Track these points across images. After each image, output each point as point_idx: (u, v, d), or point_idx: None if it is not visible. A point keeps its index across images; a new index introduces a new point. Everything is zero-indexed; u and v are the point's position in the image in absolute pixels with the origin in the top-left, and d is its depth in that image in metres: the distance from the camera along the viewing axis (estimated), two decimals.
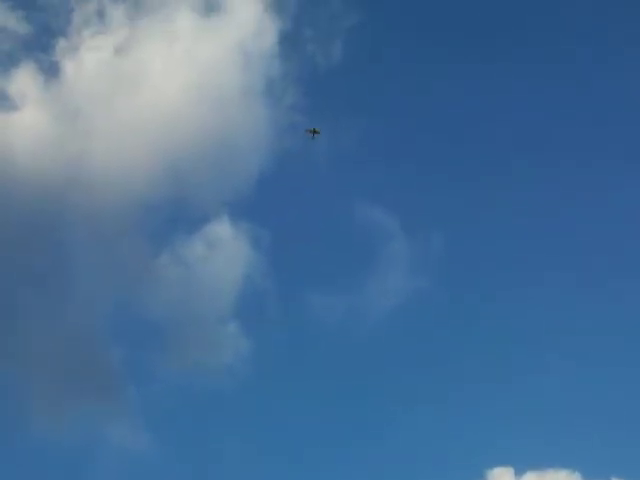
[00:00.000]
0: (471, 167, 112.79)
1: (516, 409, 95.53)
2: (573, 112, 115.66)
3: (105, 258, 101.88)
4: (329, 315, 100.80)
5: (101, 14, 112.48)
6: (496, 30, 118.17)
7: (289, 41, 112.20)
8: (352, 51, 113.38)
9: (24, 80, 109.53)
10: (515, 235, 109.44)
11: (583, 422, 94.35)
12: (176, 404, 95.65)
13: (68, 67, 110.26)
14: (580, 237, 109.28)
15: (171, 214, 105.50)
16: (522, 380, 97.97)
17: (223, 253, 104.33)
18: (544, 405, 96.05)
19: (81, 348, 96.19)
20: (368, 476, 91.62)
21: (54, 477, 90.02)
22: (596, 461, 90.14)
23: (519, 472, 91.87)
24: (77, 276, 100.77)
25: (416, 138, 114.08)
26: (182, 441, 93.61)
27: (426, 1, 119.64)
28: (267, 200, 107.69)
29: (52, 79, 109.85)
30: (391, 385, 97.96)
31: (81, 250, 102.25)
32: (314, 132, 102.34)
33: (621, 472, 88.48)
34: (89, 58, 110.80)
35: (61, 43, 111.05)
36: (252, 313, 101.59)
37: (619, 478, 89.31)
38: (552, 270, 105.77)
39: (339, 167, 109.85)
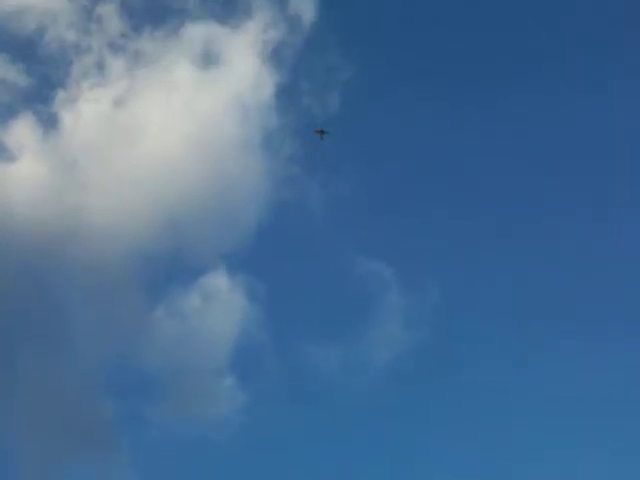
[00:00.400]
0: (468, 218, 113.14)
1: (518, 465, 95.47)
2: (573, 173, 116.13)
3: (102, 310, 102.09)
4: (326, 367, 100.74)
5: (100, 66, 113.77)
6: (494, 80, 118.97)
7: (286, 93, 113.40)
8: (349, 103, 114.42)
9: (22, 131, 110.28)
10: (511, 285, 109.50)
11: None
12: (172, 456, 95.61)
13: (67, 119, 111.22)
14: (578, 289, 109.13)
15: (168, 266, 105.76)
16: (521, 434, 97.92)
17: (220, 305, 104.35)
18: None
19: (77, 400, 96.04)
20: None
21: None
22: None
23: None
24: (74, 328, 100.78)
25: (413, 189, 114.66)
26: None
27: (423, 53, 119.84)
28: (264, 252, 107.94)
29: (50, 130, 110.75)
30: (389, 437, 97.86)
31: (78, 302, 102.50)
32: (322, 132, 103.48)
33: None
34: (88, 110, 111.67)
35: (60, 95, 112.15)
36: (248, 365, 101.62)
37: None
38: (551, 320, 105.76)
39: (336, 218, 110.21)
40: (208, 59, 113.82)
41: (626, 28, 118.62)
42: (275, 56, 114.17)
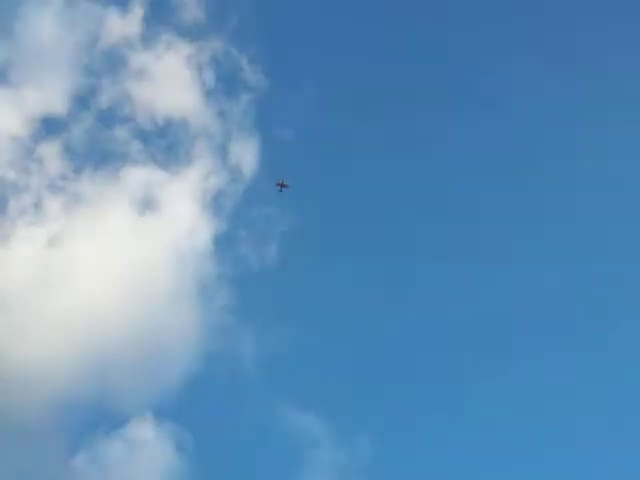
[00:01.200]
0: (399, 373, 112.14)
1: None
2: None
3: (20, 456, 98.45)
4: None
5: (37, 205, 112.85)
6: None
7: (224, 242, 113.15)
8: (286, 254, 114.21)
9: None
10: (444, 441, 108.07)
11: None
12: None
13: None
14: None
15: (92, 413, 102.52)
16: None
17: (145, 455, 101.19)
18: None
19: None
20: None
21: None
22: None
23: None
24: None
25: (347, 346, 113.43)
26: None
27: (360, 208, 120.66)
28: (193, 402, 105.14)
29: None
30: None
31: None
32: (282, 185, 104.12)
33: None
34: (21, 248, 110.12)
35: None
36: None
37: None
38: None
39: (267, 371, 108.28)
40: (147, 204, 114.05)
41: None
42: (214, 204, 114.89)
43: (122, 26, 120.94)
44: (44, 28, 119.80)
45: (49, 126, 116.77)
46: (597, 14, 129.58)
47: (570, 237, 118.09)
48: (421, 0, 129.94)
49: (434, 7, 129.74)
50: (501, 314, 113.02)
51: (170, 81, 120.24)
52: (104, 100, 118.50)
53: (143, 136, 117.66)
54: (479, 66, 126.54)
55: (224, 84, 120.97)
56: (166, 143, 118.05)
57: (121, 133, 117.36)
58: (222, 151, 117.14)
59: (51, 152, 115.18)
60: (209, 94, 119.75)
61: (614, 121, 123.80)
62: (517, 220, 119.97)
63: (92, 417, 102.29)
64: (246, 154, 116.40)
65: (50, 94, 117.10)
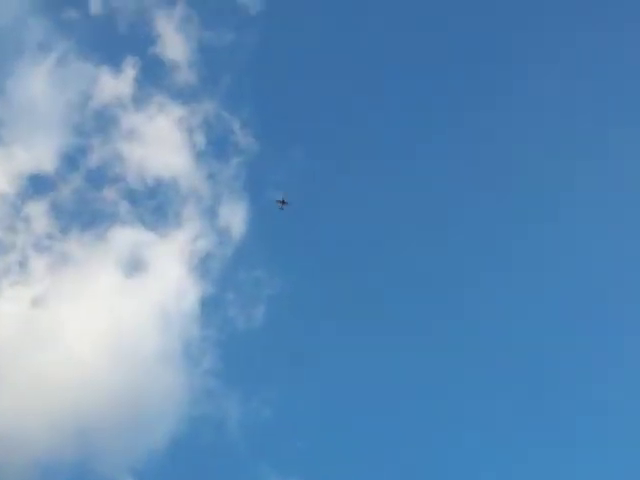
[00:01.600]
0: (383, 442, 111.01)
1: None
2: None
3: None
4: None
5: (23, 264, 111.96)
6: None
7: (211, 304, 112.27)
8: (273, 318, 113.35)
9: None
10: None
11: None
12: None
13: None
14: None
15: (73, 476, 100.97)
16: None
17: None
18: None
19: None
20: None
21: None
22: None
23: None
24: None
25: (332, 411, 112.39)
26: None
27: (347, 271, 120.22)
28: (176, 466, 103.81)
29: None
30: None
31: None
32: (283, 202, 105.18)
33: None
34: (5, 308, 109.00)
35: None
36: None
37: None
38: None
39: (251, 435, 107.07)
40: (134, 265, 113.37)
41: None
42: (202, 266, 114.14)
43: (114, 86, 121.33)
44: (36, 86, 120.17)
45: (37, 184, 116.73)
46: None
47: None
48: (407, 69, 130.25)
49: (421, 75, 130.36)
50: None
51: (161, 142, 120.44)
52: (94, 160, 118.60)
53: (132, 197, 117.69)
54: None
55: (215, 147, 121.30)
56: (155, 204, 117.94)
57: (110, 193, 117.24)
58: (211, 213, 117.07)
59: (38, 211, 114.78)
60: (199, 156, 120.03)
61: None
62: None
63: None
64: (235, 217, 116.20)
65: (39, 152, 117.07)
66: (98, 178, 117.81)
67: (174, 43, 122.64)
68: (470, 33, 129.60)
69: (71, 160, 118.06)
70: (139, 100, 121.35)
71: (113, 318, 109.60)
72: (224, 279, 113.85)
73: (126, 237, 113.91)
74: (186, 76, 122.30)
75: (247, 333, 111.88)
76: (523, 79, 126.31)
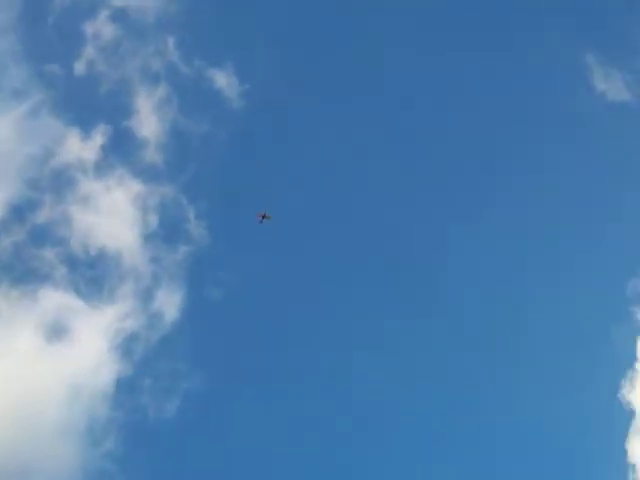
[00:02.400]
0: None
1: None
2: None
3: None
4: None
5: None
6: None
7: (125, 387, 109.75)
8: (186, 411, 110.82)
9: None
10: None
11: None
12: None
13: None
14: None
15: None
16: None
17: None
18: None
19: None
20: None
21: None
22: None
23: None
24: None
25: None
26: None
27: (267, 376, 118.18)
28: None
29: None
30: None
31: None
32: (264, 217, 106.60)
33: None
34: None
35: None
36: None
37: None
38: None
39: None
40: (56, 331, 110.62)
41: None
42: (125, 346, 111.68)
43: (79, 149, 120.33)
44: (1, 132, 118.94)
45: None
46: None
47: None
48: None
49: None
50: None
51: (113, 215, 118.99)
52: (42, 217, 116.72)
53: (71, 262, 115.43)
54: None
55: (166, 230, 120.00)
56: (92, 274, 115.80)
57: (49, 254, 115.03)
58: (147, 295, 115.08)
59: None
60: (148, 236, 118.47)
61: None
62: None
63: None
64: (170, 304, 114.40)
65: None
66: (41, 236, 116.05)
67: (148, 121, 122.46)
68: None
69: (18, 213, 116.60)
70: (101, 168, 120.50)
71: (23, 381, 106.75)
72: (144, 364, 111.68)
73: (55, 300, 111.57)
74: (152, 155, 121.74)
75: (156, 423, 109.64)
76: None
